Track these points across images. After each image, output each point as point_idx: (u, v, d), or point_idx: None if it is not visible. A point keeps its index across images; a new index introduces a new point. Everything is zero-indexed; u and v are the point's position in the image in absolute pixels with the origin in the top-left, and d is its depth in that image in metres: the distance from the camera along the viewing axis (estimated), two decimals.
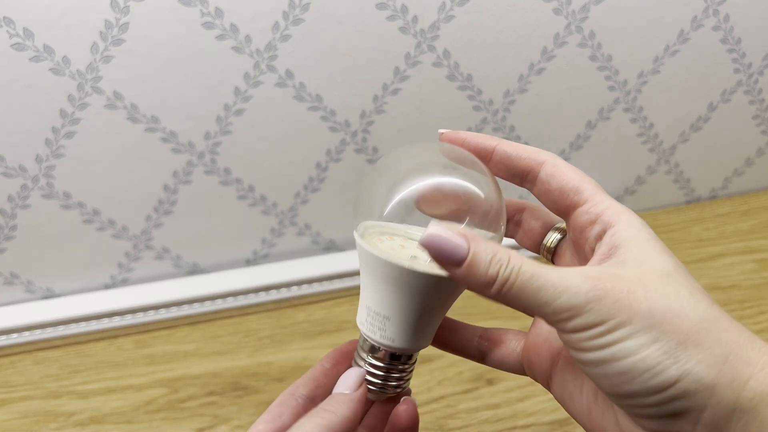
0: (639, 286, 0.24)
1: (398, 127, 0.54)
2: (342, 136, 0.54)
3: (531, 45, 0.53)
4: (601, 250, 0.26)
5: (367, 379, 0.30)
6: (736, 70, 0.60)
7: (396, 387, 0.31)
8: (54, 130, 0.47)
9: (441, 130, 0.30)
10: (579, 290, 0.23)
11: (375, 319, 0.29)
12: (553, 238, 0.31)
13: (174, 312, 0.55)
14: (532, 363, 0.30)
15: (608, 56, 0.55)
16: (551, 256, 0.31)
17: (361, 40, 0.49)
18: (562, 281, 0.23)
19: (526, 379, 0.49)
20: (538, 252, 0.32)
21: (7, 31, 0.42)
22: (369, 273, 0.29)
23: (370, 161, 0.56)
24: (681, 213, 0.67)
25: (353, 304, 0.57)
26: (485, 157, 0.29)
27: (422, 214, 0.28)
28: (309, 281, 0.57)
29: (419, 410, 0.48)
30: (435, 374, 0.50)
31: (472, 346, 0.32)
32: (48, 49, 0.44)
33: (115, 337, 0.54)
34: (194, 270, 0.59)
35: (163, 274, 0.58)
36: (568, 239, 0.30)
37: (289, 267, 0.58)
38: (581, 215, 0.27)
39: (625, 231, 0.26)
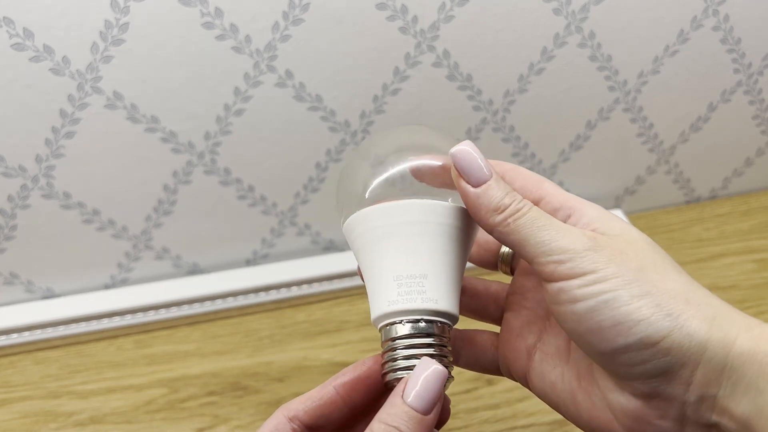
0: (629, 249, 0.25)
1: None
2: (342, 136, 0.54)
3: (531, 45, 0.53)
4: (576, 227, 0.26)
5: (402, 368, 0.26)
6: (736, 70, 0.60)
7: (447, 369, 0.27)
8: (54, 130, 0.47)
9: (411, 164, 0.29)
10: (578, 239, 0.24)
11: (409, 285, 0.26)
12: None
13: (174, 312, 0.55)
14: (508, 360, 0.30)
15: (608, 56, 0.55)
16: (509, 267, 0.32)
17: (361, 40, 0.49)
18: (564, 229, 0.25)
19: None
20: (492, 267, 0.33)
21: (7, 31, 0.42)
22: (386, 237, 0.27)
23: None
24: (681, 213, 0.67)
25: (353, 304, 0.57)
26: (447, 168, 0.29)
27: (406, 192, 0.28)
28: (309, 281, 0.57)
29: None
30: None
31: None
32: (48, 49, 0.44)
33: (115, 337, 0.54)
34: (194, 270, 0.59)
35: (162, 274, 0.58)
36: None
37: (289, 267, 0.58)
38: (546, 205, 0.28)
39: (595, 212, 0.27)
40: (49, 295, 0.56)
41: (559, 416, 0.46)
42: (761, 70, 0.60)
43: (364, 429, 0.28)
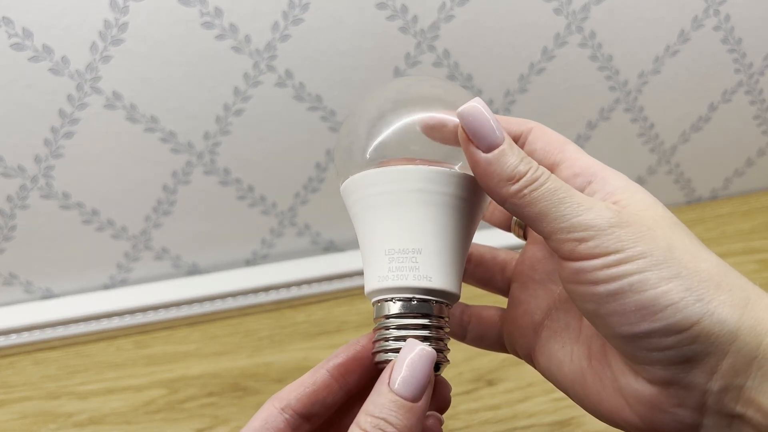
0: (657, 226, 0.23)
1: None
2: None
3: (531, 45, 0.53)
4: (597, 196, 0.25)
5: (391, 349, 0.24)
6: (737, 70, 0.60)
7: (440, 354, 0.25)
8: (53, 130, 0.47)
9: (423, 118, 0.26)
10: (602, 214, 0.22)
11: (401, 260, 0.24)
12: None
13: (173, 312, 0.55)
14: (513, 337, 0.29)
15: (609, 56, 0.55)
16: (523, 231, 0.30)
17: (360, 40, 0.49)
18: (587, 202, 0.22)
19: (527, 380, 0.49)
20: (504, 228, 0.31)
21: (6, 31, 0.42)
22: (381, 205, 0.24)
23: None
24: (681, 213, 0.67)
25: (353, 304, 0.57)
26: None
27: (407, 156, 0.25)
28: (308, 282, 0.57)
29: None
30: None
31: (454, 322, 0.30)
32: (47, 49, 0.43)
33: (115, 337, 0.54)
34: (193, 270, 0.59)
35: (162, 275, 0.58)
36: None
37: (289, 267, 0.58)
38: (565, 169, 0.26)
39: (619, 181, 0.25)
40: (48, 295, 0.56)
41: (559, 417, 0.46)
42: (762, 70, 0.60)
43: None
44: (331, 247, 0.61)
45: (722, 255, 0.65)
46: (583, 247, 0.22)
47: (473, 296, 0.32)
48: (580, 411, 0.47)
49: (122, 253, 0.55)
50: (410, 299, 0.24)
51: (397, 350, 0.24)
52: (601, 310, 0.22)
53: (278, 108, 0.50)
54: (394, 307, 0.24)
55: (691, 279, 0.21)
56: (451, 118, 0.26)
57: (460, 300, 0.29)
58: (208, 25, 0.45)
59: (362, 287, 0.58)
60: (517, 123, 0.27)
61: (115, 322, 0.54)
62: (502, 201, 0.23)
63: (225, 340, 0.54)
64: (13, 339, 0.52)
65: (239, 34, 0.46)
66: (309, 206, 0.57)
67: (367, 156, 0.25)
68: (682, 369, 0.22)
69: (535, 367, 0.28)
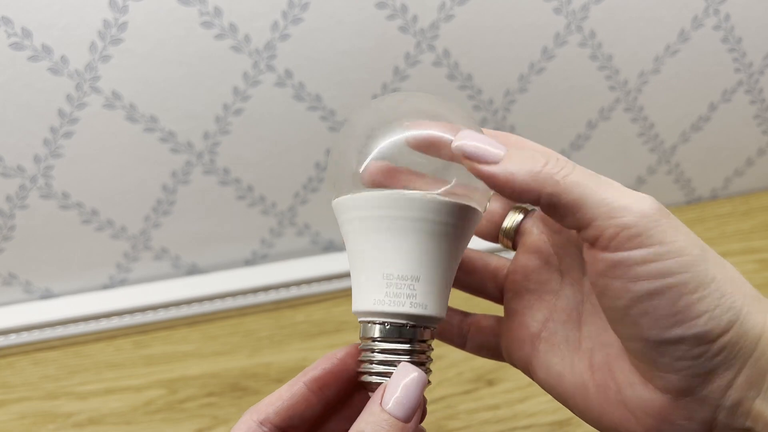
0: (682, 226, 0.22)
1: None
2: None
3: (531, 44, 0.53)
4: None
5: (374, 375, 0.25)
6: (737, 70, 0.60)
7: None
8: (52, 129, 0.47)
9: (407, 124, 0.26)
10: (643, 200, 0.21)
11: (399, 286, 0.24)
12: (514, 219, 0.29)
13: (173, 312, 0.55)
14: (510, 348, 0.29)
15: (608, 56, 0.55)
16: (511, 241, 0.29)
17: (360, 39, 0.49)
18: (622, 190, 0.21)
19: (527, 380, 0.49)
20: (493, 240, 0.30)
21: (6, 30, 0.42)
22: (379, 230, 0.24)
23: None
24: (681, 213, 0.67)
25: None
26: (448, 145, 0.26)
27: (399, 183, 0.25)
28: (308, 281, 0.57)
29: None
30: (435, 375, 0.50)
31: (453, 330, 0.30)
32: (46, 49, 0.43)
33: (114, 337, 0.54)
34: (193, 270, 0.58)
35: (161, 275, 0.57)
36: (534, 218, 0.29)
37: (288, 267, 0.58)
38: None
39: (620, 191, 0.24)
40: (48, 295, 0.56)
41: (559, 417, 0.46)
42: (762, 69, 0.60)
43: (338, 425, 0.27)
44: (330, 247, 0.61)
45: (722, 255, 0.65)
46: (625, 234, 0.20)
47: (469, 299, 0.32)
48: None
49: (121, 253, 0.55)
50: (404, 325, 0.25)
51: (384, 374, 0.25)
52: (632, 310, 0.21)
53: (278, 108, 0.50)
54: (386, 332, 0.25)
55: (725, 284, 0.21)
56: (435, 133, 0.25)
57: (461, 309, 0.30)
58: (207, 25, 0.45)
59: None
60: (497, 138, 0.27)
61: (115, 322, 0.54)
62: (536, 196, 0.22)
63: (224, 340, 0.54)
64: (13, 339, 0.52)
65: (239, 34, 0.46)
66: (308, 206, 0.57)
67: (361, 171, 0.25)
68: (701, 381, 0.21)
69: (533, 379, 0.28)
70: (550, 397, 0.47)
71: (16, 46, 0.43)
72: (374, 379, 0.25)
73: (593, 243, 0.22)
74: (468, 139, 0.22)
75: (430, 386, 0.51)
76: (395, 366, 0.24)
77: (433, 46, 0.50)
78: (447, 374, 0.50)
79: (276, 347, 0.53)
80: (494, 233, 0.30)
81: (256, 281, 0.56)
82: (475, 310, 0.31)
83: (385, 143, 0.25)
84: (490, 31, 0.51)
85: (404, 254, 0.24)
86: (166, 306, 0.55)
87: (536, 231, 0.28)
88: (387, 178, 0.25)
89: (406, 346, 0.25)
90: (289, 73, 0.49)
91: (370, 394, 0.25)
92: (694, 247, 0.21)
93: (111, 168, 0.50)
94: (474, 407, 0.48)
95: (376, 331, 0.25)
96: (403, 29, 0.49)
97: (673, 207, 0.68)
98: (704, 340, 0.21)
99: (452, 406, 0.48)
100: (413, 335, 0.25)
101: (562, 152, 0.60)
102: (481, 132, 0.24)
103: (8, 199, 0.49)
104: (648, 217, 0.20)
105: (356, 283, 0.26)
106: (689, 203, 0.69)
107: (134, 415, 0.48)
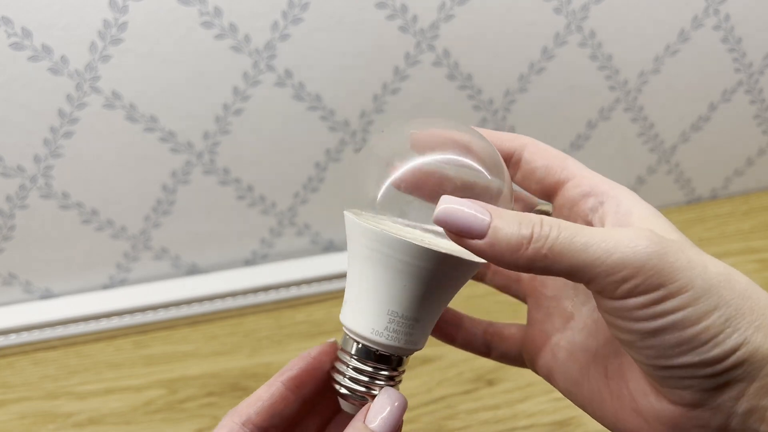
0: (686, 248, 0.22)
1: None
2: (341, 135, 0.54)
3: (531, 44, 0.53)
4: (609, 220, 0.24)
5: (348, 387, 0.27)
6: (737, 70, 0.60)
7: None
8: (52, 129, 0.47)
9: (412, 131, 0.26)
10: (635, 246, 0.20)
11: (400, 324, 0.25)
12: None
13: (173, 312, 0.55)
14: (532, 356, 0.29)
15: (608, 56, 0.55)
16: None
17: (360, 39, 0.49)
18: (613, 236, 0.21)
19: (527, 380, 0.49)
20: (508, 291, 0.31)
21: (6, 30, 0.42)
22: (390, 268, 0.25)
23: None
24: (681, 213, 0.67)
25: None
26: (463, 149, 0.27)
27: (416, 207, 0.25)
28: (308, 281, 0.57)
29: (419, 411, 0.48)
30: (435, 375, 0.50)
31: (478, 340, 0.31)
32: (46, 49, 0.43)
33: (114, 337, 0.54)
34: (193, 270, 0.58)
35: (161, 275, 0.57)
36: None
37: (288, 267, 0.58)
38: (572, 189, 0.25)
39: (629, 202, 0.24)
40: (48, 295, 0.56)
41: (559, 417, 0.46)
42: (762, 69, 0.60)
43: (314, 420, 0.28)
44: (330, 247, 0.61)
45: (722, 255, 0.65)
46: (625, 287, 0.21)
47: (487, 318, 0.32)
48: (579, 411, 0.46)
49: (121, 253, 0.55)
50: (392, 355, 0.26)
51: (367, 394, 0.26)
52: (638, 344, 0.22)
53: (278, 107, 0.50)
54: (373, 356, 0.26)
55: (729, 308, 0.21)
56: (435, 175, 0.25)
57: (484, 317, 0.31)
58: (207, 25, 0.45)
59: None
60: (509, 139, 0.27)
61: (115, 322, 0.54)
62: (527, 271, 0.22)
63: (224, 340, 0.54)
64: (12, 339, 0.52)
65: (239, 34, 0.46)
66: (308, 206, 0.57)
67: (378, 198, 0.25)
68: (711, 394, 0.22)
69: (555, 387, 0.28)
70: (549, 397, 0.48)
71: (16, 46, 0.43)
72: (342, 391, 0.27)
73: (596, 291, 0.22)
74: (450, 213, 0.22)
75: (429, 386, 0.51)
76: (374, 385, 0.26)
77: (433, 46, 0.50)
78: (447, 374, 0.50)
79: (276, 347, 0.53)
80: (510, 287, 0.31)
81: (256, 281, 0.56)
82: (500, 316, 0.32)
83: (403, 171, 0.25)
84: (490, 31, 0.51)
85: (410, 297, 0.25)
86: (166, 306, 0.55)
87: None
88: (415, 187, 0.25)
89: (385, 373, 0.26)
90: (288, 73, 0.49)
91: (340, 400, 0.27)
92: (695, 279, 0.21)
93: (111, 168, 0.50)
94: (474, 407, 0.48)
95: (362, 352, 0.26)
96: (403, 29, 0.49)
97: (673, 207, 0.68)
98: (711, 363, 0.21)
99: (452, 406, 0.48)
100: (396, 364, 0.27)
101: (562, 152, 0.60)
102: (462, 201, 0.22)
103: (8, 199, 0.49)
104: (646, 264, 0.20)
105: (354, 302, 0.26)
106: (689, 203, 0.69)
107: (134, 415, 0.48)
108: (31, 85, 0.45)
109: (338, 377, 0.27)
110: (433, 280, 0.25)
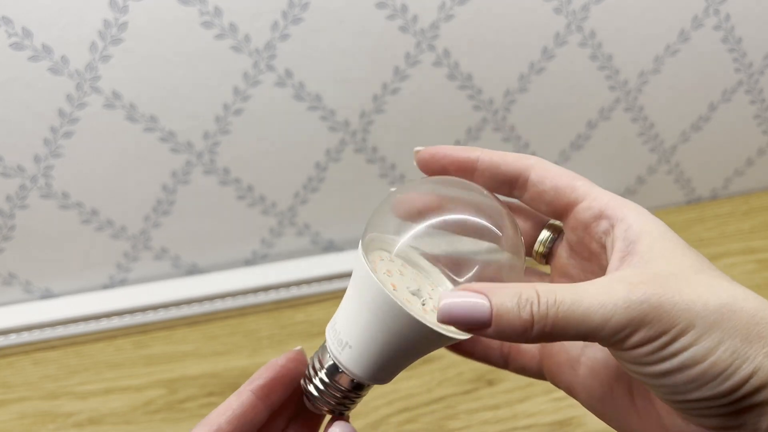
0: (685, 284, 0.22)
1: (398, 126, 0.54)
2: (341, 135, 0.54)
3: (531, 44, 0.53)
4: (617, 246, 0.24)
5: (310, 391, 0.28)
6: (737, 70, 0.60)
7: (340, 408, 0.28)
8: (52, 129, 0.47)
9: (417, 148, 0.28)
10: (631, 302, 0.21)
11: (366, 360, 0.26)
12: (547, 237, 0.29)
13: (173, 312, 0.55)
14: (552, 372, 0.29)
15: (609, 56, 0.55)
16: (545, 259, 0.29)
17: (360, 39, 0.49)
18: (609, 297, 0.21)
19: (526, 380, 0.49)
20: (503, 366, 0.31)
21: (6, 30, 0.42)
22: (363, 301, 0.26)
23: (370, 161, 0.56)
24: (681, 213, 0.67)
25: None
26: (469, 168, 0.27)
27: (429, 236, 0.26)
28: (308, 281, 0.57)
29: (419, 411, 0.48)
30: (435, 375, 0.50)
31: (495, 354, 0.31)
32: (47, 49, 0.43)
33: (114, 337, 0.54)
34: (193, 270, 0.58)
35: (161, 275, 0.57)
36: (563, 241, 0.28)
37: (289, 267, 0.58)
38: (583, 211, 0.25)
39: (638, 224, 0.24)
40: (48, 295, 0.56)
41: (559, 417, 0.46)
42: (762, 69, 0.60)
43: (281, 424, 0.29)
44: (330, 247, 0.61)
45: (722, 255, 0.65)
46: (630, 342, 0.22)
47: None
48: (580, 411, 0.47)
49: (121, 253, 0.55)
50: (362, 383, 0.27)
51: (338, 405, 0.28)
52: (652, 382, 0.23)
53: (278, 107, 0.50)
54: (343, 379, 0.27)
55: (734, 340, 0.21)
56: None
57: None
58: (207, 25, 0.45)
59: None
60: (514, 160, 0.27)
61: (115, 322, 0.54)
62: (535, 342, 0.23)
63: (224, 340, 0.54)
64: (13, 339, 0.52)
65: (239, 34, 0.46)
66: (308, 206, 0.57)
67: (396, 252, 0.26)
68: (734, 418, 0.22)
69: (578, 400, 0.28)
70: (550, 397, 0.48)
71: (17, 46, 0.43)
72: (311, 396, 0.28)
73: (606, 347, 0.23)
74: (454, 310, 0.22)
75: (430, 386, 0.51)
76: (332, 398, 0.27)
77: (433, 46, 0.50)
78: (447, 374, 0.50)
79: (276, 347, 0.53)
80: (528, 251, 0.30)
81: (256, 281, 0.56)
82: None
83: (418, 230, 0.26)
84: (490, 31, 0.51)
85: (394, 352, 0.26)
86: (166, 306, 0.55)
87: (565, 255, 0.28)
88: (432, 210, 0.26)
89: (351, 394, 0.27)
90: (289, 73, 0.49)
91: (304, 396, 0.28)
92: (696, 318, 0.21)
93: (111, 168, 0.50)
94: (474, 407, 0.48)
95: (334, 370, 0.27)
96: (403, 29, 0.49)
97: (673, 207, 0.68)
98: (725, 395, 0.21)
99: (452, 406, 0.48)
100: (359, 390, 0.27)
101: (562, 152, 0.60)
102: (458, 293, 0.23)
103: (8, 198, 0.49)
104: (644, 318, 0.21)
105: (346, 319, 0.27)
106: (689, 203, 0.69)
107: (134, 415, 0.48)
108: (31, 85, 0.45)
109: (306, 379, 0.28)
110: (416, 343, 0.25)
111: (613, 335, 0.21)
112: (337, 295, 0.57)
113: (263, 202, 0.56)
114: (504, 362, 0.31)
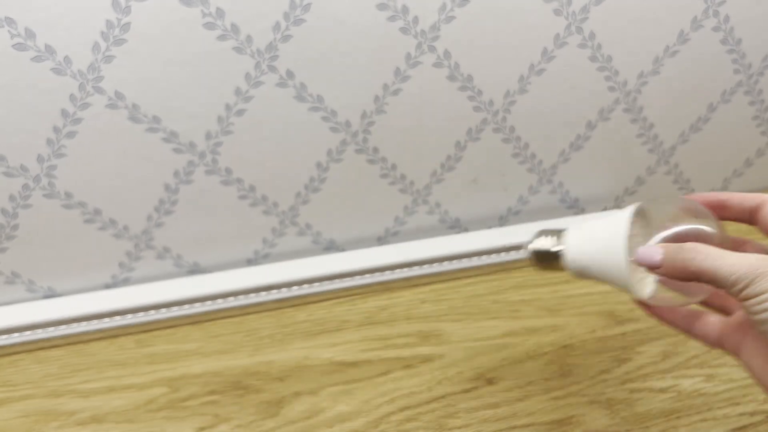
0: None
1: (399, 127, 0.54)
2: (343, 136, 0.54)
3: (531, 46, 0.53)
4: None
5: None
6: (736, 71, 0.60)
7: None
8: (55, 129, 0.47)
9: (697, 196, 0.38)
10: (754, 267, 0.29)
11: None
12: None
13: (175, 311, 0.55)
14: (734, 345, 0.35)
15: (608, 57, 0.55)
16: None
17: (361, 40, 0.49)
18: (741, 261, 0.30)
19: (526, 378, 0.49)
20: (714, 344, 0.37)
21: (9, 31, 0.42)
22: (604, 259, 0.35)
23: (371, 161, 0.56)
24: None
25: (353, 303, 0.57)
26: (721, 206, 0.38)
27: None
28: (310, 281, 0.57)
29: (419, 409, 0.48)
30: (435, 374, 0.50)
31: (680, 319, 0.38)
32: (49, 49, 0.44)
33: (116, 336, 0.54)
34: (195, 269, 0.59)
35: (164, 274, 0.58)
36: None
37: (290, 267, 0.58)
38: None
39: None
40: (51, 294, 0.56)
41: (558, 416, 0.47)
42: (761, 70, 0.60)
43: None
44: (332, 247, 0.61)
45: None
46: (743, 293, 0.29)
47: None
48: (579, 410, 0.47)
49: (124, 253, 0.56)
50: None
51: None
52: (762, 328, 0.30)
53: (280, 108, 0.51)
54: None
55: None
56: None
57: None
58: (209, 26, 0.45)
59: (362, 287, 0.58)
60: (751, 198, 0.37)
61: (117, 321, 0.54)
62: (686, 280, 0.31)
63: (226, 338, 0.54)
64: (16, 338, 0.53)
65: (241, 35, 0.46)
66: (310, 206, 0.57)
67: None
68: None
69: (750, 369, 0.34)
70: (549, 395, 0.48)
71: (20, 47, 0.43)
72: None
73: (731, 295, 0.30)
74: (639, 257, 0.33)
75: (430, 385, 0.51)
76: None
77: (433, 47, 0.51)
78: (447, 373, 0.50)
79: (278, 346, 0.53)
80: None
81: (258, 281, 0.56)
82: None
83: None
84: (490, 32, 0.51)
85: (590, 258, 0.36)
86: (168, 305, 0.55)
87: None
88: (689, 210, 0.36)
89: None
90: (290, 74, 0.49)
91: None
92: None
93: (114, 167, 0.50)
94: (474, 406, 0.48)
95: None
96: (404, 30, 0.49)
97: None
98: None
99: (452, 405, 0.48)
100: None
101: (562, 153, 0.61)
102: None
103: (11, 198, 0.50)
104: (749, 280, 0.29)
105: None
106: None
107: (136, 414, 0.48)
108: (34, 86, 0.45)
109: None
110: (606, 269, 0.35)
111: (732, 286, 0.29)
112: (339, 294, 0.58)
113: (265, 202, 0.56)
114: (687, 328, 0.37)
